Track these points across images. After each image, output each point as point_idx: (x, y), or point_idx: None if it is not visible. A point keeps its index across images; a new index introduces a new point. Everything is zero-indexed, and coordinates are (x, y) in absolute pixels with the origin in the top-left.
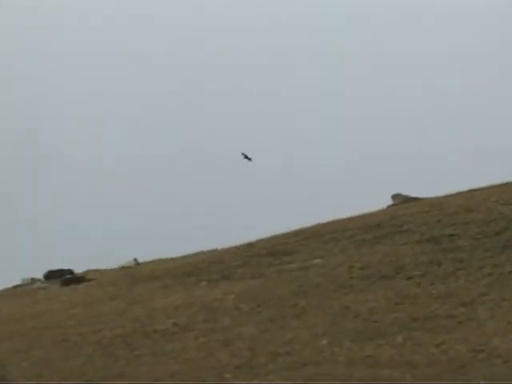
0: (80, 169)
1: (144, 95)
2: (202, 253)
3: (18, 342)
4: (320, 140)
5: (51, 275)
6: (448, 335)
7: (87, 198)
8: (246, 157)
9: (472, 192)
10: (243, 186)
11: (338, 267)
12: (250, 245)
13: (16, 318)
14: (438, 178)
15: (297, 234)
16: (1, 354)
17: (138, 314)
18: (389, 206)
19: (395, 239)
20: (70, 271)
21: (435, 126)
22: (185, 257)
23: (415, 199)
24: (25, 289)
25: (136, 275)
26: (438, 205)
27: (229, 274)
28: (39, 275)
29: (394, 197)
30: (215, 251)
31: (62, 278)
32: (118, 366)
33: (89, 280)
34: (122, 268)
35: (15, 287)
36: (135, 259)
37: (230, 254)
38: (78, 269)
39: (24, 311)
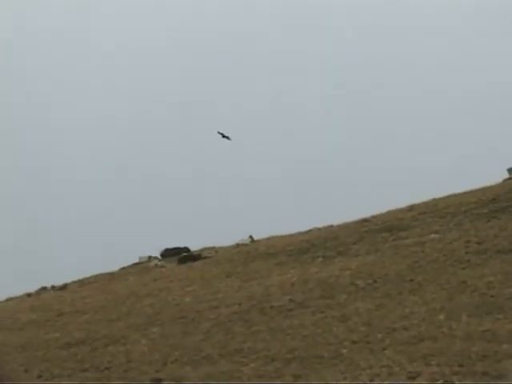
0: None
1: None
2: (317, 229)
3: (136, 319)
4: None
5: (168, 253)
6: None
7: (203, 174)
8: (224, 135)
9: None
10: (359, 160)
11: (454, 242)
12: (365, 220)
13: (134, 295)
14: None
15: (412, 209)
16: (120, 331)
17: (254, 291)
18: (505, 180)
19: None
20: (186, 249)
21: None
22: (300, 233)
23: None
24: (142, 267)
25: (251, 252)
26: None
27: (344, 250)
28: (156, 253)
29: (510, 170)
30: (330, 227)
31: (179, 255)
32: (236, 342)
33: (205, 257)
34: (238, 245)
35: (133, 265)
36: (251, 236)
37: (345, 230)
38: (194, 246)
39: (142, 289)
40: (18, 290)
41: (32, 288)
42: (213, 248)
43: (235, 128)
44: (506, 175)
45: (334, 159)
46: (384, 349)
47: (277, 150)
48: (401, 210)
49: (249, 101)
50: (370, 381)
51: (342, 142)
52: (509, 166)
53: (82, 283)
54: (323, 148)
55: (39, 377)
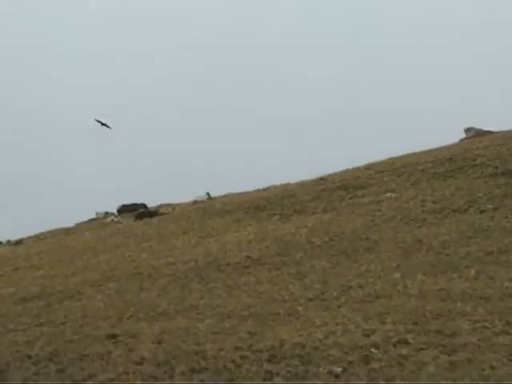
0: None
1: None
2: (275, 187)
3: (92, 275)
4: (393, 74)
5: (125, 209)
6: None
7: (163, 133)
8: (102, 123)
9: None
10: (315, 120)
11: (411, 201)
12: (322, 179)
13: (90, 251)
14: (510, 111)
15: (369, 167)
16: (75, 286)
17: (210, 248)
18: (462, 140)
19: (468, 173)
20: (143, 205)
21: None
22: (257, 191)
23: (488, 132)
24: (99, 223)
25: (208, 209)
26: (511, 138)
27: (301, 208)
28: (113, 209)
29: (467, 130)
30: (287, 185)
31: (136, 212)
32: (192, 299)
33: (162, 214)
34: (195, 202)
35: (89, 221)
36: (208, 193)
37: (302, 188)
38: (151, 203)
39: (98, 245)
40: None
41: None
42: (170, 205)
43: None
44: (463, 135)
45: (293, 118)
46: (339, 306)
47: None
48: (358, 169)
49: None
50: (325, 338)
51: (301, 102)
52: (466, 126)
53: (37, 238)
54: (281, 108)
55: None
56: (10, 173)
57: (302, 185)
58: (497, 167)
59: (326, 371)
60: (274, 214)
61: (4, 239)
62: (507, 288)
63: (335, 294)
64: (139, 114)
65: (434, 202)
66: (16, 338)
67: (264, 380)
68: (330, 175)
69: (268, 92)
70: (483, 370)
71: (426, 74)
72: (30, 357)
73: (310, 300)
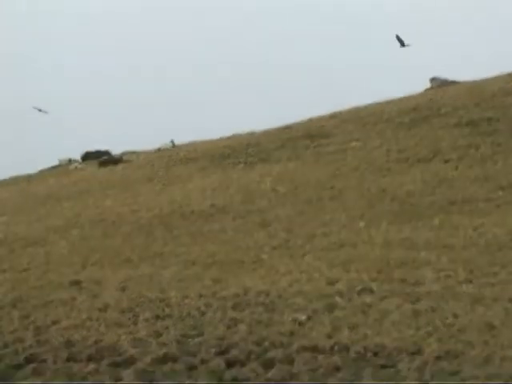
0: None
1: None
2: (239, 135)
3: (56, 221)
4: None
5: (88, 156)
6: (485, 218)
7: (130, 80)
8: (40, 110)
9: None
10: (280, 69)
11: (376, 150)
12: (286, 127)
13: (54, 197)
14: (476, 61)
15: (334, 116)
16: (39, 232)
17: (175, 195)
18: (426, 90)
19: (433, 122)
20: (107, 152)
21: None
22: (221, 139)
23: (453, 82)
24: (62, 169)
25: (173, 157)
26: (476, 88)
27: (266, 157)
28: (76, 156)
29: (432, 80)
30: (252, 134)
31: (99, 159)
32: (156, 246)
33: (126, 161)
34: (159, 150)
35: (52, 168)
36: (172, 141)
37: (267, 136)
38: (115, 150)
39: (61, 191)
40: None
41: None
42: (134, 152)
43: None
44: (428, 85)
45: (258, 63)
46: (304, 255)
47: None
48: (322, 118)
49: None
50: (289, 286)
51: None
52: (431, 76)
53: None
54: (244, 52)
55: None
56: None
57: (267, 133)
58: (461, 117)
59: (290, 319)
60: (239, 163)
61: None
62: (471, 237)
63: (300, 242)
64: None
65: (399, 152)
66: None
67: (228, 328)
68: (294, 124)
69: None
70: (446, 318)
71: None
72: None
73: (275, 248)
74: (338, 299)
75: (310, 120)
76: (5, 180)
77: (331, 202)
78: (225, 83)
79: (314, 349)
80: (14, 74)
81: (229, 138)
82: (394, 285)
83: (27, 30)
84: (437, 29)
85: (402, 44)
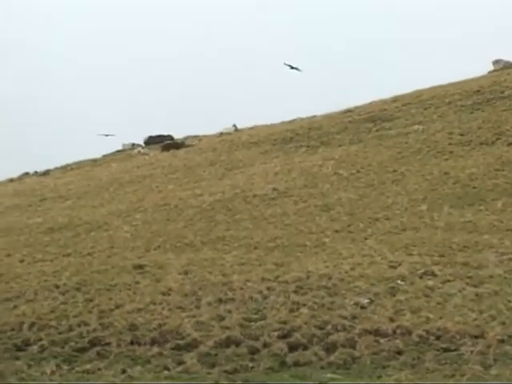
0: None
1: None
2: (301, 119)
3: (119, 206)
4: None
5: (151, 141)
6: None
7: (188, 60)
8: (291, 67)
9: None
10: (341, 51)
11: (438, 133)
12: (348, 111)
13: (117, 182)
14: None
15: (396, 99)
16: (102, 217)
17: (237, 180)
18: (490, 72)
19: (496, 105)
20: (169, 137)
21: None
22: (284, 123)
23: None
24: (125, 154)
25: (235, 141)
26: None
27: (328, 140)
28: (139, 141)
29: (495, 62)
30: (314, 117)
31: (162, 143)
32: (218, 230)
33: (188, 146)
34: (221, 134)
35: (116, 153)
36: (234, 125)
37: (328, 120)
38: (178, 135)
39: (125, 176)
40: (1, 175)
41: (14, 173)
42: (196, 136)
43: None
44: (491, 67)
45: (321, 49)
46: (366, 238)
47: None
48: (385, 101)
49: None
50: (352, 269)
51: (330, 32)
52: (494, 59)
53: (64, 169)
54: (308, 39)
55: (21, 261)
56: (37, 104)
57: (329, 117)
58: None
59: (352, 302)
60: (301, 146)
61: (31, 170)
62: None
63: (362, 226)
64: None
65: (461, 135)
66: (44, 267)
67: (290, 311)
68: (356, 107)
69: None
70: (509, 301)
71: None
72: (57, 286)
73: (337, 232)
74: (400, 283)
75: (372, 103)
76: (69, 165)
77: (393, 186)
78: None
79: (376, 332)
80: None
81: (291, 122)
82: (457, 268)
83: None
84: (500, 10)
85: (291, 67)
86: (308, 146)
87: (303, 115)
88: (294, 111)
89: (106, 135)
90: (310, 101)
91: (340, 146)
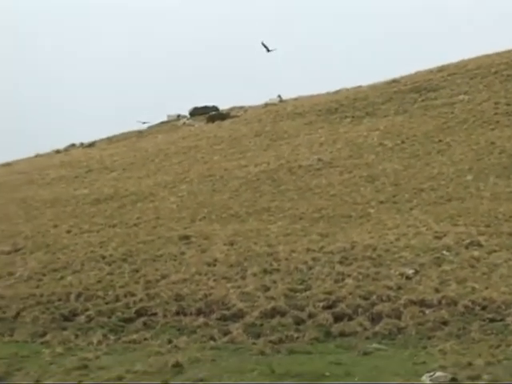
0: None
1: None
2: (346, 89)
3: (165, 177)
4: None
5: (196, 112)
6: None
7: (231, 29)
8: (266, 48)
9: None
10: (388, 21)
11: (484, 103)
12: (394, 81)
13: (163, 153)
14: None
15: (441, 69)
16: (148, 188)
17: (282, 150)
18: None
19: None
20: (215, 108)
21: None
22: (329, 93)
23: None
24: (171, 125)
25: (280, 112)
26: None
27: (373, 111)
28: (185, 112)
29: None
30: (359, 88)
31: (208, 114)
32: (264, 201)
33: (233, 117)
34: (266, 105)
35: (161, 124)
36: (279, 96)
37: (374, 90)
38: (223, 106)
39: (170, 147)
40: (47, 147)
41: (61, 144)
42: (241, 107)
43: None
44: None
45: (362, 20)
46: (411, 209)
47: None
48: (430, 71)
49: None
50: (397, 240)
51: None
52: None
53: (110, 141)
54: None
55: (68, 232)
56: (77, 77)
57: (374, 87)
58: None
59: (397, 273)
60: (346, 117)
61: (77, 141)
62: None
63: (407, 196)
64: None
65: (508, 105)
66: (90, 238)
67: (335, 282)
68: (402, 77)
69: None
70: None
71: None
72: (104, 257)
73: (382, 202)
74: (445, 253)
75: (418, 73)
76: (115, 136)
77: (439, 156)
78: (332, 37)
79: (422, 303)
80: None
81: (336, 93)
82: (503, 238)
83: None
84: None
85: (267, 49)
86: (353, 117)
87: (348, 85)
88: (339, 81)
89: (144, 123)
90: (356, 71)
91: (385, 116)
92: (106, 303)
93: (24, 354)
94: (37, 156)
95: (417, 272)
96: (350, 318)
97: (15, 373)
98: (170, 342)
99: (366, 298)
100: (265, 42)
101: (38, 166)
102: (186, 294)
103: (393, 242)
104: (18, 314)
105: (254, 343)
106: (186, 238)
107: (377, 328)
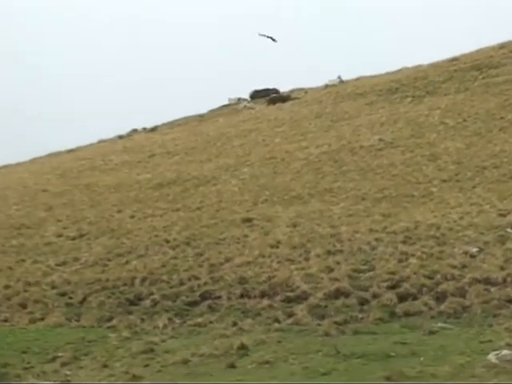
0: None
1: None
2: (406, 69)
3: (227, 160)
4: None
5: (257, 94)
6: None
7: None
8: (267, 36)
9: None
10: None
11: None
12: (454, 59)
13: (224, 137)
14: None
15: (503, 46)
16: (210, 172)
17: (343, 131)
18: None
19: None
20: (275, 90)
21: None
22: (389, 73)
23: None
24: (231, 108)
25: (340, 93)
26: None
27: (433, 90)
28: (245, 95)
29: None
30: (419, 67)
31: (268, 97)
32: (326, 182)
33: (294, 98)
34: (327, 86)
35: (222, 107)
36: (339, 77)
37: (434, 69)
38: (283, 88)
39: (231, 130)
40: (110, 132)
41: (123, 130)
42: (302, 89)
43: None
44: None
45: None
46: (474, 187)
47: None
48: (491, 48)
49: None
50: (460, 218)
51: None
52: None
53: (171, 125)
54: None
55: (132, 217)
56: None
57: (434, 66)
58: None
59: (461, 252)
60: (407, 96)
61: (139, 126)
62: None
63: (469, 174)
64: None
65: None
66: (154, 222)
67: (399, 261)
68: (462, 55)
69: None
70: None
71: None
72: (168, 241)
73: (444, 181)
74: (509, 231)
75: (479, 51)
76: (176, 120)
77: (501, 133)
78: (389, 16)
79: (486, 281)
80: None
81: (396, 72)
82: None
83: None
84: None
85: (273, 39)
86: (413, 96)
87: (408, 65)
88: (398, 61)
89: (268, 37)
90: (415, 49)
91: (446, 95)
92: (171, 287)
93: (91, 339)
94: (100, 142)
95: (481, 250)
96: (415, 298)
97: (82, 357)
98: (234, 324)
99: (430, 278)
100: (265, 34)
101: (101, 152)
102: (249, 276)
103: (456, 221)
104: (84, 299)
105: (318, 324)
106: (249, 220)
107: (442, 307)
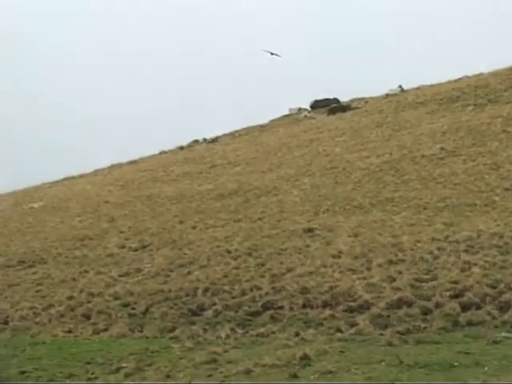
0: None
1: None
2: (467, 77)
3: (288, 170)
4: None
5: (317, 104)
6: None
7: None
8: (271, 53)
9: None
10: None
11: None
12: None
13: (285, 147)
14: None
15: None
16: (271, 182)
17: (404, 140)
18: None
19: None
20: (335, 100)
21: None
22: (450, 82)
23: None
24: (292, 119)
25: (401, 102)
26: None
27: (495, 98)
28: (306, 105)
29: None
30: (480, 75)
31: (328, 106)
32: (387, 192)
33: (355, 108)
34: (387, 95)
35: (283, 117)
36: (400, 86)
37: (495, 77)
38: (344, 97)
39: (292, 141)
40: (171, 143)
41: (184, 141)
42: (362, 99)
43: None
44: None
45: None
46: None
47: None
48: None
49: None
50: None
51: None
52: None
53: (232, 136)
54: None
55: (193, 227)
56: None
57: (496, 74)
58: None
59: None
60: (468, 105)
61: (200, 137)
62: None
63: None
64: None
65: None
66: (215, 233)
67: (462, 271)
68: None
69: None
70: None
71: None
72: (229, 252)
73: (507, 190)
74: None
75: None
76: (237, 131)
77: None
78: (451, 23)
79: None
80: None
81: (457, 81)
82: None
83: None
84: None
85: (277, 55)
86: (475, 105)
87: (469, 73)
88: (459, 69)
89: (272, 53)
90: (477, 57)
91: (508, 103)
92: (233, 297)
93: (154, 350)
94: (161, 153)
95: None
96: (478, 307)
97: (146, 368)
98: (297, 334)
99: (493, 287)
100: (269, 50)
101: (162, 163)
102: (311, 286)
103: None
104: (146, 309)
105: (381, 334)
106: (310, 230)
107: (505, 317)
